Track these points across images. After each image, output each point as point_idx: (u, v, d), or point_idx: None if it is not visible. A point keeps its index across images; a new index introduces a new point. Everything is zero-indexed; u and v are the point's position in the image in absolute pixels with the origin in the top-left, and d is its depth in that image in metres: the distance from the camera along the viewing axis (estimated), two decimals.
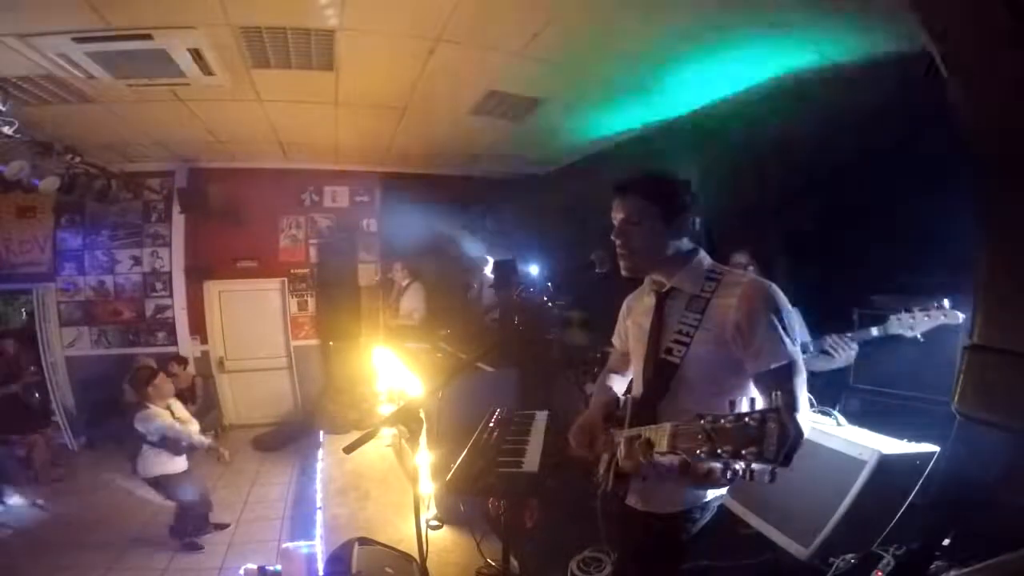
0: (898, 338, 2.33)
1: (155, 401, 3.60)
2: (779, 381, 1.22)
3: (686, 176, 1.53)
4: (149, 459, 3.53)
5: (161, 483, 3.61)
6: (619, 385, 1.75)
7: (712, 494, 1.47)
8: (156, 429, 3.48)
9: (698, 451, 0.98)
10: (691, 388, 1.37)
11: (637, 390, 1.53)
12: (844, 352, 2.36)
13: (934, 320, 2.26)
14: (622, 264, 1.48)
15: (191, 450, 3.67)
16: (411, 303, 5.62)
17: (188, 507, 3.69)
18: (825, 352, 2.38)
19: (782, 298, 1.32)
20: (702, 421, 0.99)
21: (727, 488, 1.48)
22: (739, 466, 0.90)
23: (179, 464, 3.64)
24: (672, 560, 1.52)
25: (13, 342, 5.20)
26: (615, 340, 1.79)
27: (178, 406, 3.83)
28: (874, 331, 2.37)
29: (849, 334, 2.39)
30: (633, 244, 1.44)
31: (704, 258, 1.47)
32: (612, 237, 1.47)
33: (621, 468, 1.32)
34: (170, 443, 3.54)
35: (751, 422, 0.88)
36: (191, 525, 3.72)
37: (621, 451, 1.29)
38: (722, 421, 0.94)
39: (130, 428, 3.53)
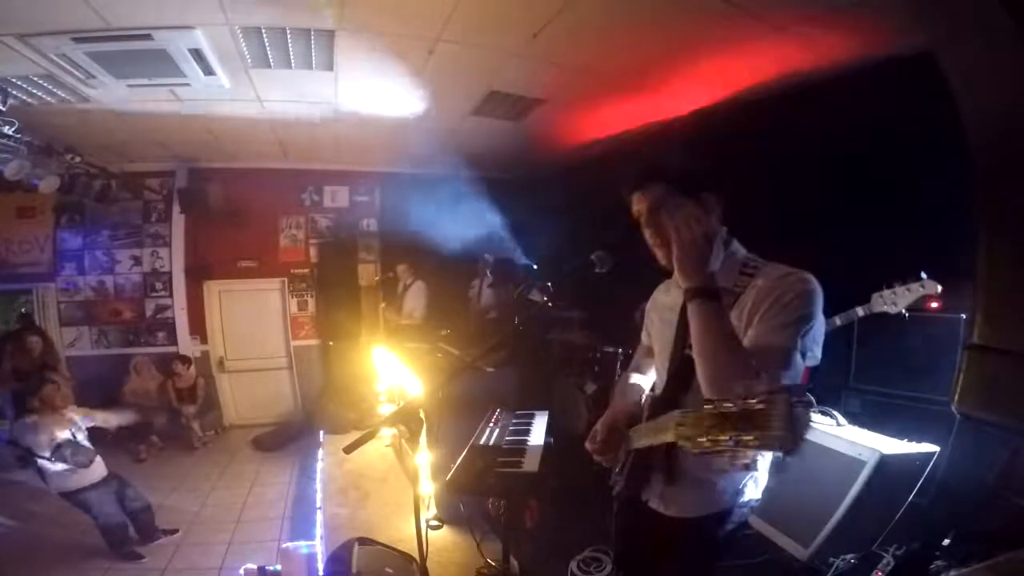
0: (889, 325, 2.41)
1: (44, 413, 3.34)
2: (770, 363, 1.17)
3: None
4: (54, 475, 3.25)
5: (78, 498, 3.31)
6: (645, 384, 1.66)
7: (748, 494, 1.37)
8: (30, 444, 3.17)
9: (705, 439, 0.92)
10: None
11: (659, 387, 1.47)
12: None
13: (914, 293, 2.32)
14: (663, 257, 1.34)
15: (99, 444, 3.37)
16: (412, 302, 5.62)
17: (113, 519, 3.38)
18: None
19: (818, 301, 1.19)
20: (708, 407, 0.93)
21: (758, 491, 1.39)
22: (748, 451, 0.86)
23: (94, 473, 3.38)
24: (697, 566, 1.43)
25: (39, 339, 5.13)
26: (643, 336, 1.70)
27: (74, 413, 3.54)
28: (859, 311, 2.49)
29: (838, 316, 2.52)
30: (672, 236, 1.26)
31: (739, 248, 1.36)
32: (648, 238, 1.35)
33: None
34: (68, 456, 3.20)
35: (758, 405, 0.84)
36: (140, 533, 3.49)
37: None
38: (727, 405, 0.89)
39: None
